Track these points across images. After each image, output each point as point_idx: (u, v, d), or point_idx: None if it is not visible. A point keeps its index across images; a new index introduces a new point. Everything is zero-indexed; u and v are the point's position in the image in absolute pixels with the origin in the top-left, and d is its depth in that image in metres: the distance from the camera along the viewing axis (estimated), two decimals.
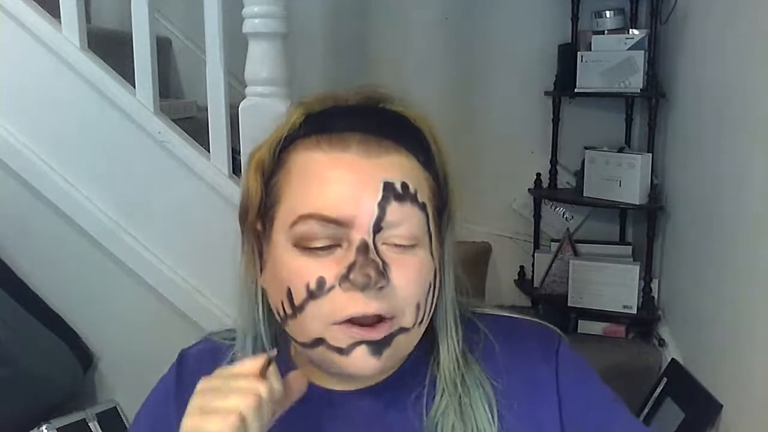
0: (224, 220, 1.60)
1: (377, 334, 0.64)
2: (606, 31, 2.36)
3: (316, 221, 0.63)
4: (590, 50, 2.34)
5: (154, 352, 1.60)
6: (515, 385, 0.72)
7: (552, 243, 2.56)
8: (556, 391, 0.72)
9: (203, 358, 0.78)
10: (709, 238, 1.89)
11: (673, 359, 2.08)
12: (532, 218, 2.57)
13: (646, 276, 2.30)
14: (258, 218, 0.70)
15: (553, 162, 2.54)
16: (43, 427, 1.50)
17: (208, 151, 1.63)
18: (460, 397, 0.70)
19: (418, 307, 0.66)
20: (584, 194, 2.38)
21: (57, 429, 1.51)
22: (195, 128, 1.75)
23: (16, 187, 1.66)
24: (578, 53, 2.35)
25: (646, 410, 2.03)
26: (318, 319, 0.65)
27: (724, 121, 1.82)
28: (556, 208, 2.61)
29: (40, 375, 1.57)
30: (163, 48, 2.47)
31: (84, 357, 1.71)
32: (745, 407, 1.64)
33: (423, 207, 0.67)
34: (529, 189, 2.53)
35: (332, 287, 0.63)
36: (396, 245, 0.65)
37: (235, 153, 1.62)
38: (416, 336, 0.69)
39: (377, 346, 0.65)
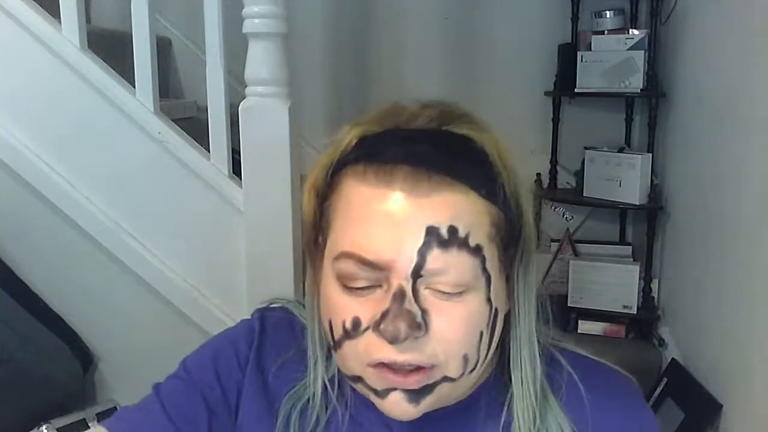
0: (224, 220, 1.60)
1: (413, 383, 0.61)
2: (606, 31, 2.36)
3: (355, 262, 0.60)
4: (590, 50, 2.35)
5: (154, 352, 1.62)
6: None
7: (552, 243, 2.55)
8: None
9: (283, 328, 0.75)
10: (709, 238, 1.89)
11: (673, 359, 2.08)
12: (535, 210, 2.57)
13: (646, 276, 2.30)
14: (313, 238, 0.67)
15: (553, 162, 2.55)
16: (43, 427, 1.50)
17: (208, 151, 1.63)
18: None
19: (465, 358, 0.62)
20: (584, 194, 2.38)
21: (57, 429, 1.51)
22: (195, 128, 1.75)
23: (16, 187, 1.66)
24: (578, 53, 2.35)
25: None
26: (354, 359, 0.63)
27: (723, 121, 1.81)
28: (556, 208, 2.61)
29: (40, 375, 1.57)
30: (163, 48, 2.48)
31: (84, 357, 1.71)
32: (745, 407, 1.64)
33: (476, 250, 0.61)
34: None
35: (367, 328, 0.61)
36: (441, 291, 0.60)
37: (235, 153, 1.62)
38: (468, 382, 0.65)
39: (414, 395, 0.62)
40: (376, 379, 0.62)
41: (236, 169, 1.63)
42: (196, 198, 1.62)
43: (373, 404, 0.65)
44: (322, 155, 0.66)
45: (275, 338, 0.74)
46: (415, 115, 0.65)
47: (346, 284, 0.61)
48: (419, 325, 0.59)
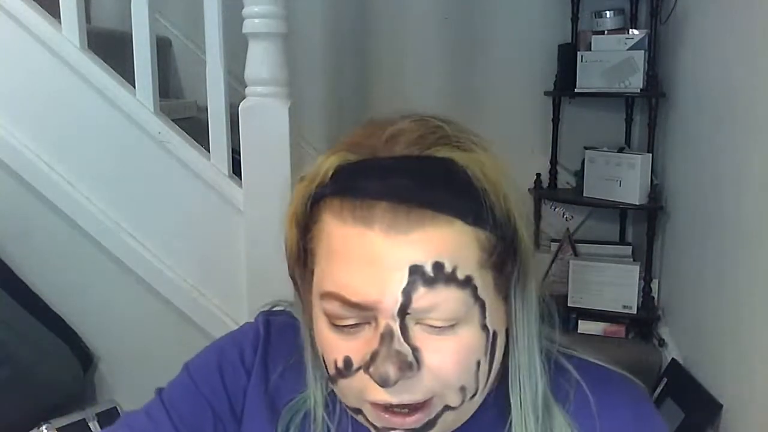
0: (224, 220, 1.60)
1: (412, 423, 0.59)
2: (606, 31, 2.36)
3: (340, 303, 0.58)
4: (590, 50, 2.35)
5: (154, 352, 1.62)
6: None
7: (552, 243, 2.56)
8: None
9: (287, 334, 0.72)
10: (709, 238, 1.89)
11: (673, 359, 2.08)
12: (532, 218, 2.57)
13: (646, 276, 2.30)
14: (298, 269, 0.65)
15: (553, 162, 2.55)
16: (43, 427, 1.50)
17: (208, 151, 1.63)
18: None
19: (463, 389, 0.60)
20: (584, 194, 2.38)
21: (57, 429, 1.51)
22: (195, 128, 1.75)
23: (16, 187, 1.66)
24: (578, 53, 2.36)
25: None
26: (351, 395, 0.61)
27: (723, 121, 1.82)
28: (555, 208, 2.61)
29: (41, 375, 1.57)
30: (163, 48, 2.48)
31: (84, 357, 1.71)
32: (745, 407, 1.64)
33: (466, 282, 0.58)
34: (529, 189, 2.53)
35: (359, 368, 0.59)
36: (431, 326, 0.58)
37: (235, 153, 1.62)
38: (472, 407, 0.63)
39: None
40: (375, 416, 0.60)
41: (236, 169, 1.63)
42: (196, 198, 1.62)
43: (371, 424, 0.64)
44: (300, 185, 0.63)
45: (280, 345, 0.72)
46: (392, 139, 0.60)
47: (334, 323, 0.59)
48: (410, 365, 0.57)
